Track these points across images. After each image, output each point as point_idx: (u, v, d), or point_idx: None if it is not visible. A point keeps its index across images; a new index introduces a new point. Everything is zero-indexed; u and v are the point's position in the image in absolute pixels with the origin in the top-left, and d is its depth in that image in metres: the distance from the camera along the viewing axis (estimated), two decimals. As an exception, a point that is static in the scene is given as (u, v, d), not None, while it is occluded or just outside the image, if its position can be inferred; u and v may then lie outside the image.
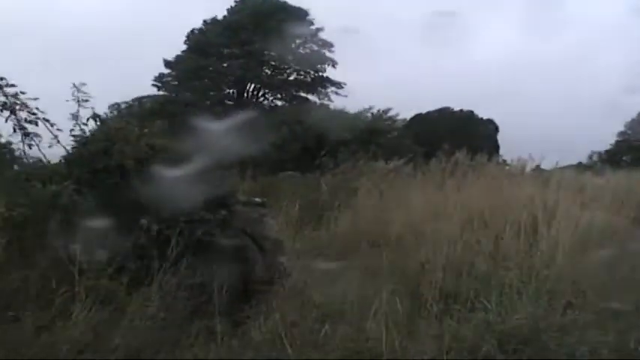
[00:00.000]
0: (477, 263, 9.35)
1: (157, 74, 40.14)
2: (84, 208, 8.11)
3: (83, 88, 8.79)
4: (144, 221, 8.43)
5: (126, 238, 8.13)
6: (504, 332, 6.98)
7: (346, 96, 39.27)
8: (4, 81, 8.45)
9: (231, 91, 39.29)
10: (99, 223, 8.12)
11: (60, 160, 9.07)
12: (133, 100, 40.43)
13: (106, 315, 7.11)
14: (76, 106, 8.90)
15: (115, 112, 36.64)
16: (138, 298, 7.52)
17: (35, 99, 8.65)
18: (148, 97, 39.94)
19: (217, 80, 36.98)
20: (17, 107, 8.38)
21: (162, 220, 8.52)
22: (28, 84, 9.05)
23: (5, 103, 8.35)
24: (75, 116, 8.80)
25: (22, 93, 8.55)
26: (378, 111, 31.93)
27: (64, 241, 7.72)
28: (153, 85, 40.10)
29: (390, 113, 32.76)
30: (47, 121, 8.68)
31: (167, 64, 39.90)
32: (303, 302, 8.41)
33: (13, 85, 8.56)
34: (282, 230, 11.42)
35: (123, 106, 38.80)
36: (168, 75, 40.39)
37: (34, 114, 8.55)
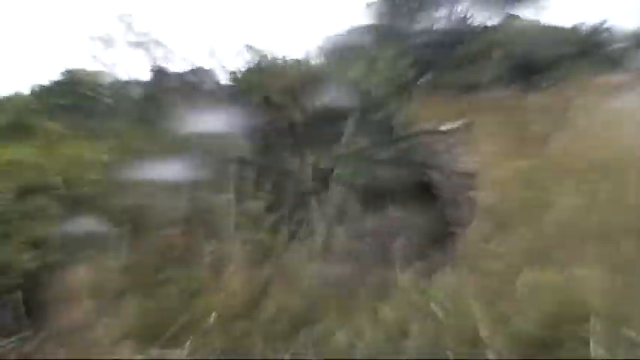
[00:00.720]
0: None
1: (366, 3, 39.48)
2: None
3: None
4: (308, 158, 7.56)
5: (283, 184, 7.32)
6: None
7: (558, 10, 36.04)
8: (132, 18, 7.92)
9: (439, 14, 37.58)
10: (253, 167, 7.39)
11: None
12: (348, 32, 40.22)
13: (264, 274, 6.31)
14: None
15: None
16: (299, 253, 6.65)
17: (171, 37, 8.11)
18: (365, 27, 39.55)
19: (424, 3, 35.47)
20: (151, 45, 7.83)
21: (326, 159, 7.63)
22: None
23: (138, 41, 7.81)
24: (212, 53, 8.18)
25: (155, 31, 8.01)
26: (593, 25, 28.87)
27: (215, 191, 7.06)
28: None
29: (606, 25, 29.47)
30: (186, 59, 8.11)
31: (373, -10, 39.06)
32: (501, 244, 7.13)
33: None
34: (483, 158, 10.00)
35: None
36: (376, 3, 39.59)
37: (170, 52, 7.98)
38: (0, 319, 5.77)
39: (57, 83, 12.10)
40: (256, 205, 7.21)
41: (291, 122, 7.77)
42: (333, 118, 8.07)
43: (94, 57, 8.57)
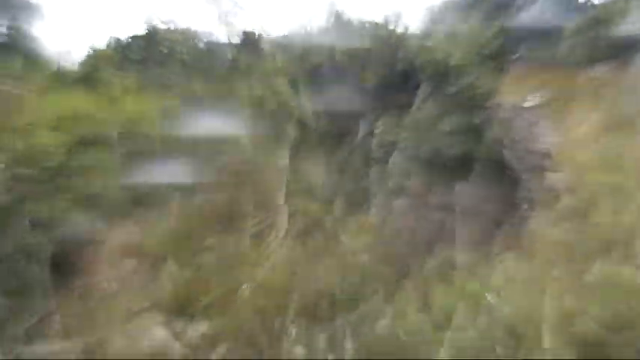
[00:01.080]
0: None
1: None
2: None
3: None
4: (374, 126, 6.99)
5: (346, 151, 6.79)
6: None
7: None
8: None
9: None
10: (316, 132, 6.88)
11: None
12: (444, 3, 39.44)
13: (311, 247, 5.81)
14: None
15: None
16: (354, 226, 6.12)
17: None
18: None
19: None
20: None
21: (393, 128, 7.05)
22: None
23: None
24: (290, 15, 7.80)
25: None
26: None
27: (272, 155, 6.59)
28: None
29: None
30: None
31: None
32: (575, 230, 6.38)
33: None
34: (566, 138, 9.14)
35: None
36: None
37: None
38: (34, 274, 5.49)
39: (135, 38, 11.94)
40: (314, 173, 6.71)
41: (361, 88, 7.22)
42: (406, 86, 7.47)
43: (173, 14, 8.23)
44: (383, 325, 4.99)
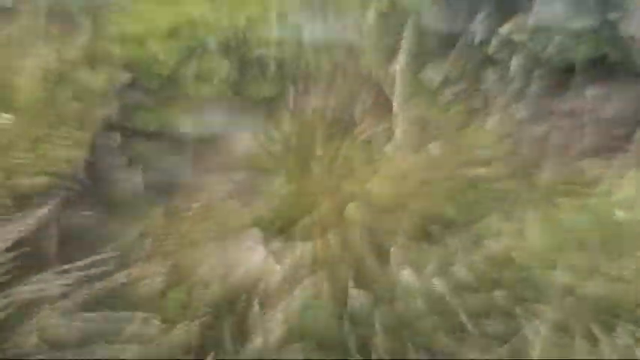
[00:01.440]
0: None
1: None
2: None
3: None
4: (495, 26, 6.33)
5: (465, 53, 6.17)
6: None
7: None
8: None
9: None
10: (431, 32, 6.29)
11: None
12: None
13: (425, 157, 5.35)
14: None
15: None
16: (471, 134, 5.57)
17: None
18: None
19: None
20: None
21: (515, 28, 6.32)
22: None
23: None
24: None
25: None
26: None
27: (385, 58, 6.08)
28: None
29: None
30: None
31: None
32: None
33: None
34: None
35: None
36: None
37: None
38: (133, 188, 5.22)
39: None
40: (431, 76, 6.11)
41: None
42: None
43: None
44: (498, 245, 4.48)
